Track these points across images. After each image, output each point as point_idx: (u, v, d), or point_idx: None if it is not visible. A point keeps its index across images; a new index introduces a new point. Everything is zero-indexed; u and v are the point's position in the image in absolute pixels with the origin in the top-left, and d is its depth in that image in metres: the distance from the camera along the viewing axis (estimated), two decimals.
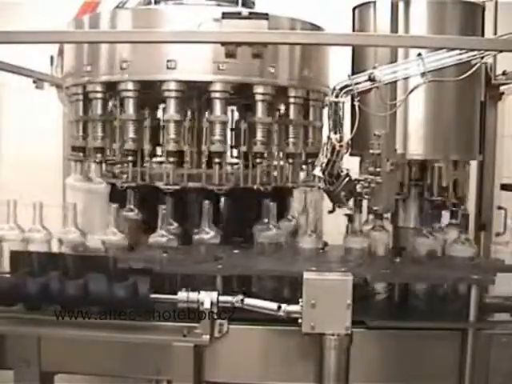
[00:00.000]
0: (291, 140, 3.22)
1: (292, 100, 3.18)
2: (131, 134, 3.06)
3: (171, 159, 3.02)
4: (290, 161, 3.24)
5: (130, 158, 3.10)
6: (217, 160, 3.05)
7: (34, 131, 5.16)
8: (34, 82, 3.90)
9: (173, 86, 2.96)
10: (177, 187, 3.05)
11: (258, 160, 3.11)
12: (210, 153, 3.05)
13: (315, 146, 3.30)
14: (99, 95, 3.11)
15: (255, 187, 3.13)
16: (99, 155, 3.17)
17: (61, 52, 3.50)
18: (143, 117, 3.14)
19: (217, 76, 2.94)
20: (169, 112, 3.00)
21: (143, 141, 3.12)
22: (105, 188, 3.18)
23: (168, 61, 2.91)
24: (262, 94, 3.04)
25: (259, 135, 3.08)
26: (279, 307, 2.57)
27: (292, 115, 3.20)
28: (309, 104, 3.28)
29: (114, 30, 3.02)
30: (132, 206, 3.18)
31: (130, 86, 3.00)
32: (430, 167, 3.00)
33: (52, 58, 3.68)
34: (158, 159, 3.42)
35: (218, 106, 3.00)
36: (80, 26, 3.18)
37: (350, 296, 2.53)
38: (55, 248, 3.00)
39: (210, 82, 2.97)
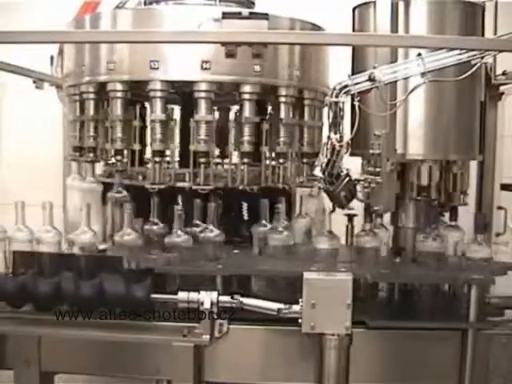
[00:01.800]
0: (305, 140, 3.23)
1: (307, 102, 3.20)
2: (158, 135, 3.01)
3: (202, 160, 3.00)
4: (305, 160, 3.25)
5: (156, 159, 3.03)
6: (245, 160, 3.05)
7: (33, 131, 5.16)
8: (34, 82, 3.91)
9: (204, 86, 2.95)
10: (210, 187, 3.02)
11: (280, 160, 3.12)
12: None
13: (316, 146, 3.30)
14: (119, 94, 3.06)
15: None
16: (119, 157, 3.13)
17: (61, 52, 3.50)
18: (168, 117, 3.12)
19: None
20: (200, 113, 2.98)
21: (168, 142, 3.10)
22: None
23: (204, 62, 2.90)
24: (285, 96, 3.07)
25: (282, 136, 3.10)
26: (279, 307, 2.57)
27: (306, 116, 3.22)
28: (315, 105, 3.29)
29: (113, 29, 3.02)
30: (156, 220, 3.10)
31: (158, 85, 2.97)
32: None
33: (52, 57, 3.68)
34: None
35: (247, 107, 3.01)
36: (80, 26, 3.17)
37: (350, 296, 2.53)
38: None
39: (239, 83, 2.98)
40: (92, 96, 3.16)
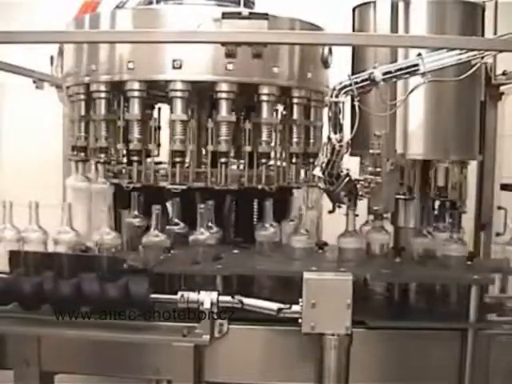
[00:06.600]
0: (294, 140, 3.22)
1: (295, 100, 3.18)
2: (136, 134, 3.05)
3: (177, 159, 3.02)
4: (294, 160, 3.24)
5: (135, 158, 3.08)
6: (222, 160, 3.04)
7: (33, 131, 5.16)
8: (34, 82, 3.91)
9: (179, 85, 2.96)
10: (183, 187, 3.04)
11: (263, 160, 3.11)
12: (215, 153, 3.05)
13: (316, 146, 3.30)
14: (102, 95, 3.11)
15: (259, 187, 3.14)
16: (103, 155, 3.17)
17: (61, 52, 3.51)
18: (148, 117, 3.15)
19: (222, 77, 2.95)
20: (176, 112, 3.00)
21: (147, 141, 3.12)
22: (109, 188, 3.17)
23: (174, 60, 2.91)
24: (267, 94, 3.05)
25: (264, 136, 3.09)
26: (279, 307, 2.57)
27: (296, 115, 3.21)
28: (310, 104, 3.28)
29: (113, 29, 3.03)
30: (137, 212, 3.16)
31: (136, 85, 3.01)
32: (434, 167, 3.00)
33: (52, 57, 3.69)
34: (156, 159, 3.44)
35: (224, 106, 3.00)
36: (80, 26, 3.18)
37: (350, 296, 2.53)
38: (52, 248, 2.99)
39: (215, 83, 2.97)
40: (82, 97, 3.20)
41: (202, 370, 2.68)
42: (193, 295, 2.58)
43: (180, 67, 2.91)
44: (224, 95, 2.99)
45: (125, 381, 2.89)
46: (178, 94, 2.97)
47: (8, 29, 2.36)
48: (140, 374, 2.75)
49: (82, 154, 3.26)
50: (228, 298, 2.59)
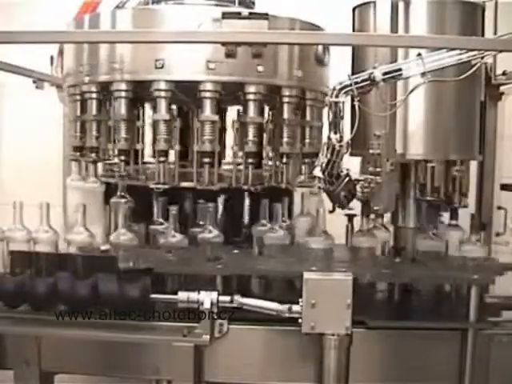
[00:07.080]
0: (285, 140, 3.19)
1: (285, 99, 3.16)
2: (123, 134, 3.07)
3: (161, 158, 3.02)
4: (284, 160, 3.22)
5: (122, 158, 3.11)
6: (206, 160, 3.03)
7: (33, 131, 5.16)
8: (34, 82, 3.91)
9: (162, 85, 2.97)
10: (165, 186, 3.05)
11: (250, 160, 3.09)
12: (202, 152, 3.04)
13: (313, 146, 3.29)
14: (93, 95, 3.13)
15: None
16: (93, 155, 3.19)
17: (61, 52, 3.51)
18: (135, 116, 3.17)
19: (208, 76, 2.95)
20: (160, 112, 3.00)
21: (135, 140, 3.15)
22: (99, 187, 3.19)
23: (156, 60, 2.92)
24: (253, 93, 3.04)
25: (251, 135, 3.07)
26: (279, 307, 2.57)
27: (286, 114, 3.16)
28: (305, 104, 3.26)
29: (114, 29, 3.03)
30: (123, 193, 3.22)
31: (123, 86, 3.02)
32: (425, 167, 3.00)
33: (52, 57, 3.69)
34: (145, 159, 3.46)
35: (207, 106, 3.00)
36: (80, 26, 3.18)
37: (350, 296, 2.53)
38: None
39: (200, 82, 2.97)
40: (78, 97, 3.23)
41: (201, 370, 2.68)
42: (193, 295, 2.58)
43: (162, 67, 2.91)
44: (207, 94, 2.98)
45: (125, 381, 2.89)
46: (162, 93, 2.97)
47: (8, 29, 2.37)
48: (140, 374, 2.75)
49: (78, 154, 3.28)
50: (228, 298, 2.60)
